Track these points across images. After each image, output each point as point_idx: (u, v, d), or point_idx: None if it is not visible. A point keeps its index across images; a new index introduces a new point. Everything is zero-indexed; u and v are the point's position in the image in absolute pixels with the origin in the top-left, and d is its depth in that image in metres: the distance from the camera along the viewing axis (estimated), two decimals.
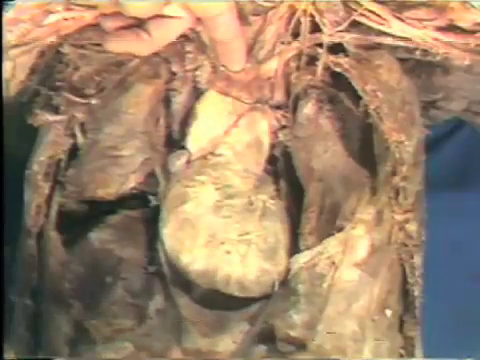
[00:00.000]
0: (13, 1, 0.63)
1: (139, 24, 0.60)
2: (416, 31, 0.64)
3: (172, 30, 0.61)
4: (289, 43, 0.66)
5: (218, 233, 0.64)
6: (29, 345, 0.63)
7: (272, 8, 0.65)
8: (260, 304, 0.62)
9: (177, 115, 0.68)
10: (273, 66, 0.67)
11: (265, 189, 0.66)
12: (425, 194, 0.64)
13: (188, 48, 0.67)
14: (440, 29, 0.64)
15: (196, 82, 0.68)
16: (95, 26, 0.65)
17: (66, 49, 0.66)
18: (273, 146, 0.68)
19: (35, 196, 0.64)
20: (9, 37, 0.63)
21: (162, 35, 0.61)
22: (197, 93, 0.68)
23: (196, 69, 0.67)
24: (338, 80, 0.67)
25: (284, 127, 0.67)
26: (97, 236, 0.65)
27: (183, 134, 0.67)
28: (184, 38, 0.66)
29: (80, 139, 0.66)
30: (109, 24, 0.61)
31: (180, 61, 0.68)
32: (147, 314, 0.62)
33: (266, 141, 0.67)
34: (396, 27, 0.64)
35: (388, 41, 0.65)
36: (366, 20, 0.64)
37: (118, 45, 0.61)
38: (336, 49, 0.66)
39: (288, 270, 0.63)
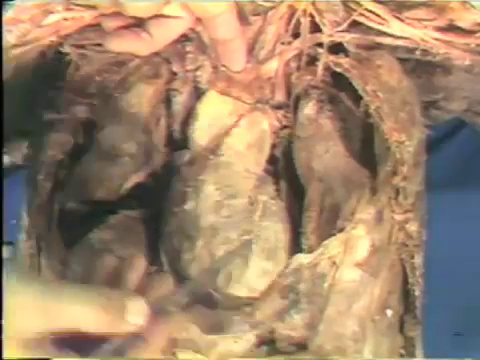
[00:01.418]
0: (13, 1, 0.63)
1: (139, 24, 0.60)
2: (416, 31, 0.64)
3: (172, 30, 0.62)
4: (289, 43, 0.66)
5: (218, 233, 0.64)
6: None
7: (272, 8, 0.65)
8: (260, 304, 0.62)
9: (178, 115, 0.68)
10: (273, 66, 0.67)
11: (265, 189, 0.66)
12: (425, 194, 0.64)
13: (188, 48, 0.67)
14: (440, 29, 0.64)
15: (197, 82, 0.68)
16: (95, 26, 0.65)
17: (66, 49, 0.66)
18: (274, 146, 0.68)
19: (35, 196, 0.64)
20: (9, 37, 0.64)
21: (162, 35, 0.61)
22: (198, 93, 0.68)
23: (197, 69, 0.68)
24: (338, 80, 0.67)
25: (285, 127, 0.67)
26: (97, 236, 0.65)
27: (184, 134, 0.67)
28: (184, 38, 0.66)
29: (80, 139, 0.66)
30: (109, 24, 0.61)
31: (181, 61, 0.68)
32: None
33: (267, 141, 0.67)
34: (396, 27, 0.64)
35: (388, 41, 0.65)
36: (366, 20, 0.64)
37: (118, 45, 0.61)
38: (336, 49, 0.66)
39: (288, 270, 0.63)
